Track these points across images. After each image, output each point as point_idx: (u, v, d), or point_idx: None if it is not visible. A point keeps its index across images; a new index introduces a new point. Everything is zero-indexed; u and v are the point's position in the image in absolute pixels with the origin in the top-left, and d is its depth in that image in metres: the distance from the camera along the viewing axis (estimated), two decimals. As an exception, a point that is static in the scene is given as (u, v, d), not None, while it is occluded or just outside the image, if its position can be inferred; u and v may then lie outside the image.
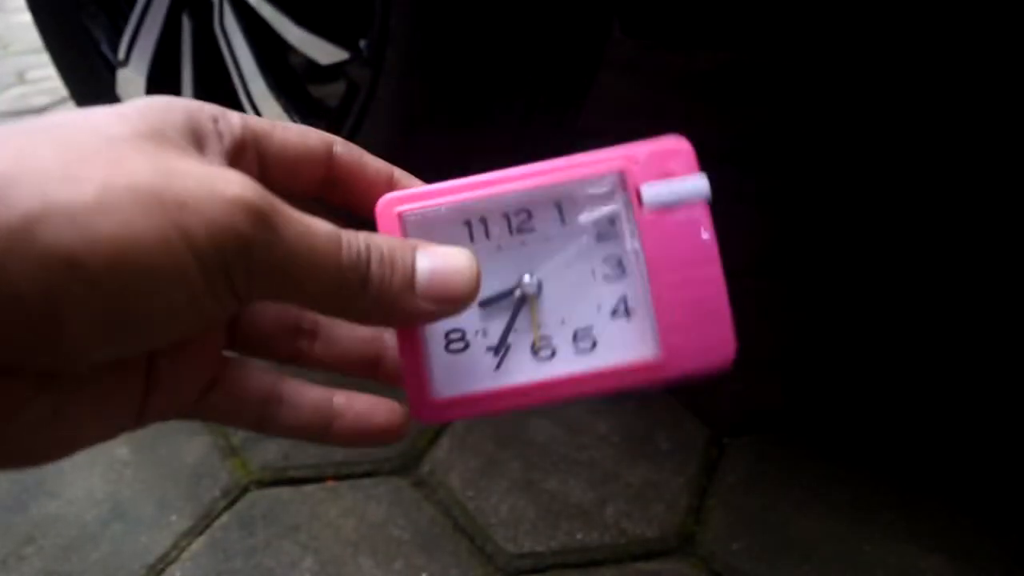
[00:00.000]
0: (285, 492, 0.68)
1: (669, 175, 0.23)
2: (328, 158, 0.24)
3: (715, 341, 0.24)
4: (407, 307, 0.21)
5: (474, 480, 0.69)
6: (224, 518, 0.66)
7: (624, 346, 0.24)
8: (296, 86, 0.83)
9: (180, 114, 0.20)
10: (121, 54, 0.95)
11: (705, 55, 1.62)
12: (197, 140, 0.20)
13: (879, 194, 1.13)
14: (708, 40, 0.72)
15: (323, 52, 0.74)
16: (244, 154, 0.22)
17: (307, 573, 0.61)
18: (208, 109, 0.21)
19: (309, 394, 0.23)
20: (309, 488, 0.69)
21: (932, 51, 0.57)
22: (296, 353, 0.25)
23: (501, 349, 0.24)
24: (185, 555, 0.63)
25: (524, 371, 0.24)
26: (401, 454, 0.72)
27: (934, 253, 0.99)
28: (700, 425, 0.74)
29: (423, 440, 0.73)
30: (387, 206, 0.23)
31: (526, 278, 0.24)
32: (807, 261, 0.98)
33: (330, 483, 0.69)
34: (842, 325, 0.87)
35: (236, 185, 0.18)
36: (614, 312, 0.24)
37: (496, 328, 0.24)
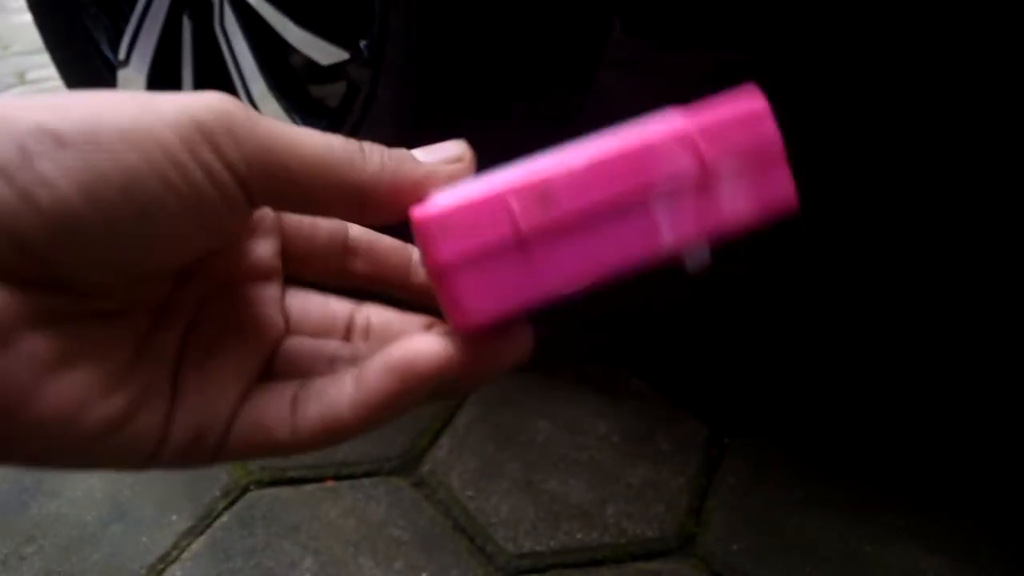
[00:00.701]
0: (285, 492, 0.68)
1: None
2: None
3: (778, 179, 0.23)
4: (414, 171, 0.19)
5: (474, 480, 0.69)
6: (224, 518, 0.66)
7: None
8: (296, 86, 0.83)
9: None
10: (122, 54, 0.95)
11: (705, 55, 1.62)
12: None
13: (880, 194, 1.13)
14: (708, 40, 0.72)
15: (323, 52, 0.74)
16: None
17: (307, 573, 0.61)
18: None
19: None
20: (309, 488, 0.69)
21: (932, 50, 0.57)
22: (344, 271, 0.24)
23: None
24: (185, 555, 0.63)
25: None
26: (401, 454, 0.72)
27: (934, 253, 0.99)
28: (700, 425, 0.74)
29: (423, 440, 0.73)
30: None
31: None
32: (807, 261, 0.98)
33: (330, 483, 0.69)
34: (842, 325, 0.87)
35: (210, 92, 0.18)
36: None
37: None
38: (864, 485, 0.67)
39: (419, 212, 0.19)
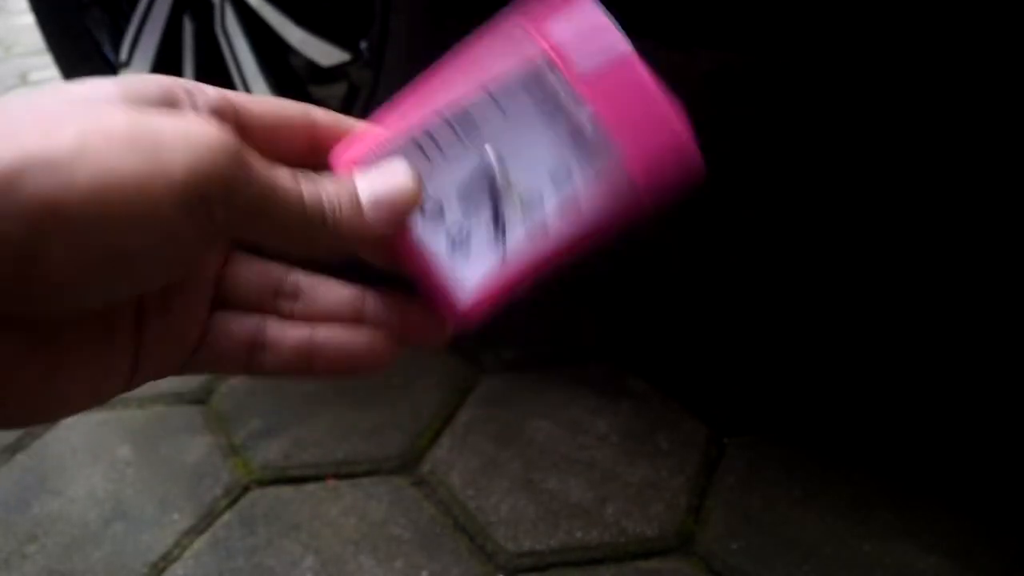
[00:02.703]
0: (286, 491, 0.69)
1: (584, 35, 0.24)
2: (309, 126, 0.24)
3: (681, 154, 0.25)
4: (363, 229, 0.22)
5: (474, 479, 0.69)
6: (226, 517, 0.66)
7: (606, 188, 0.24)
8: (297, 87, 0.83)
9: (154, 85, 0.21)
10: (123, 55, 0.95)
11: (705, 55, 1.62)
12: (171, 106, 0.21)
13: (881, 194, 1.13)
14: (708, 40, 0.72)
15: (324, 53, 0.75)
16: (222, 120, 0.22)
17: (308, 572, 0.61)
18: (183, 82, 0.22)
19: (291, 333, 0.24)
20: (310, 487, 0.69)
21: (931, 49, 0.57)
22: (279, 315, 0.25)
23: (498, 223, 0.24)
24: (187, 554, 0.63)
25: (526, 238, 0.24)
26: (401, 453, 0.72)
27: (934, 253, 0.99)
28: (700, 425, 0.74)
29: (423, 440, 0.74)
30: (338, 156, 0.24)
31: (487, 149, 0.24)
32: (807, 261, 0.98)
33: (330, 482, 0.69)
34: (842, 325, 0.87)
35: (210, 129, 0.18)
36: (580, 164, 0.24)
37: (484, 210, 0.24)
38: (863, 485, 0.67)
39: (453, 297, 0.24)
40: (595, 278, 0.74)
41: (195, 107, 0.21)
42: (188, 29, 0.89)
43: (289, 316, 0.25)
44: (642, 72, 0.24)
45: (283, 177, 0.20)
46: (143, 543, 0.64)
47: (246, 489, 0.69)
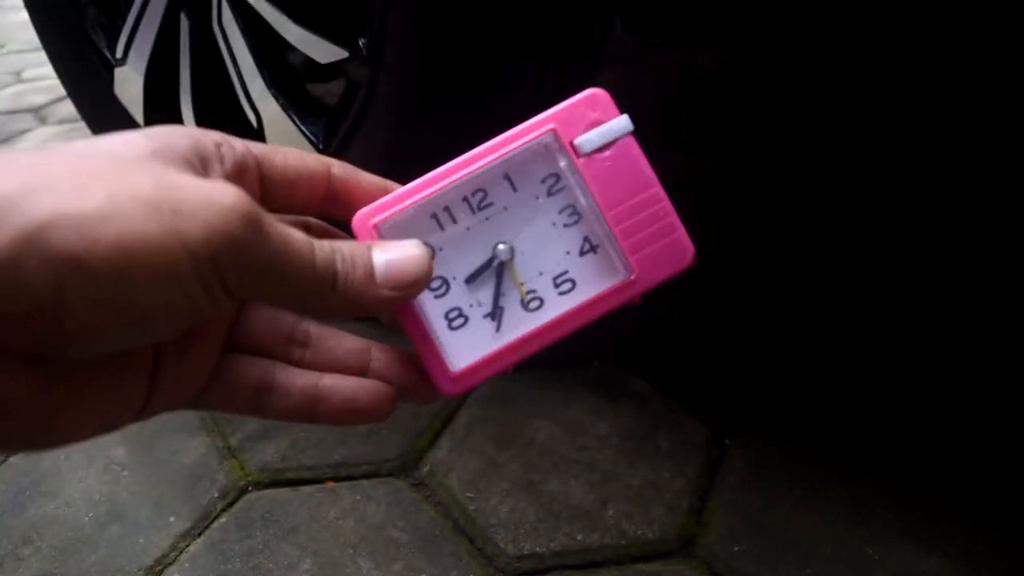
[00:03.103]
0: (283, 493, 0.68)
1: (595, 123, 0.27)
2: (326, 177, 0.26)
3: (674, 248, 0.27)
4: (372, 296, 0.23)
5: (474, 481, 0.68)
6: (222, 519, 0.66)
7: (600, 276, 0.27)
8: (295, 85, 0.83)
9: (184, 138, 0.22)
10: (119, 52, 0.94)
11: (706, 53, 1.62)
12: (201, 161, 0.22)
13: (882, 194, 1.13)
14: (708, 39, 0.71)
15: (322, 50, 0.74)
16: (246, 174, 0.24)
17: (306, 574, 0.61)
18: (212, 135, 0.23)
19: (298, 380, 0.26)
20: (308, 489, 0.68)
21: (931, 48, 0.57)
22: (288, 361, 0.27)
23: (496, 313, 0.27)
24: (183, 557, 0.63)
25: (521, 325, 0.27)
26: (400, 455, 0.71)
27: (934, 252, 0.99)
28: (700, 425, 0.74)
29: (422, 441, 0.73)
30: (362, 220, 0.26)
31: (500, 247, 0.27)
32: (807, 261, 0.98)
33: (329, 484, 0.69)
34: (842, 325, 0.86)
35: (231, 194, 0.20)
36: (582, 252, 0.27)
37: (487, 297, 0.27)
38: (863, 485, 0.67)
39: (440, 373, 0.27)
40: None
41: (222, 161, 0.23)
42: (184, 26, 0.88)
43: (299, 363, 0.26)
44: (642, 161, 0.27)
45: (297, 240, 0.22)
46: (139, 546, 0.63)
47: (243, 491, 0.68)
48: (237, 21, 0.81)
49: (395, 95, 0.70)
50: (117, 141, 0.21)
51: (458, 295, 0.27)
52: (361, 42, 0.71)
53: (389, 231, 0.26)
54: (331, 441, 0.73)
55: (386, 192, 0.27)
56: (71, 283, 0.17)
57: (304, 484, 0.69)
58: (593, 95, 0.27)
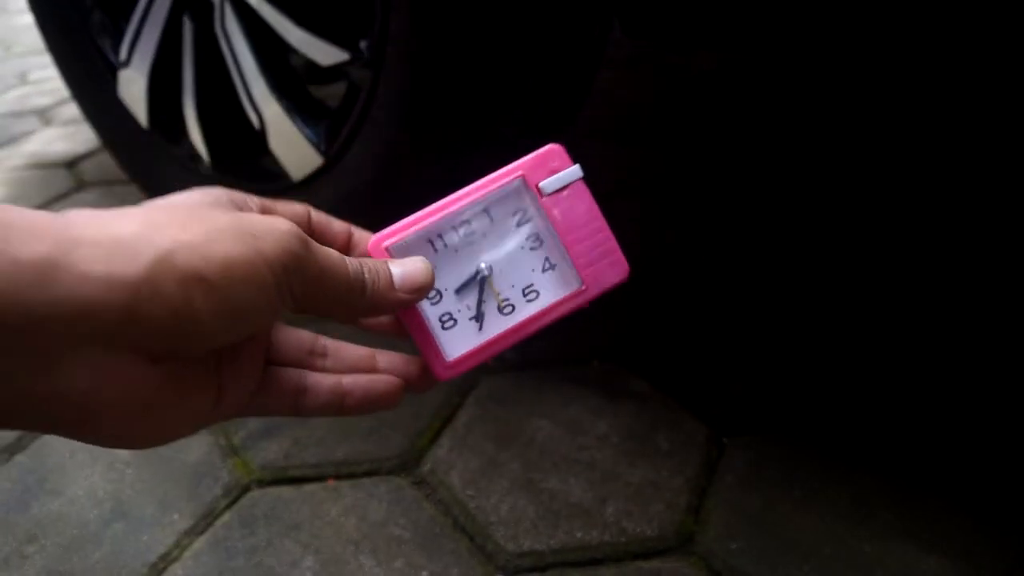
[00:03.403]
0: (286, 491, 0.69)
1: (554, 171, 0.35)
2: (308, 219, 0.33)
3: (615, 266, 0.36)
4: (392, 298, 0.31)
5: (474, 479, 0.69)
6: (225, 517, 0.66)
7: (558, 288, 0.36)
8: (297, 87, 0.83)
9: (223, 193, 0.29)
10: (123, 55, 0.95)
11: (705, 55, 1.62)
12: (239, 206, 0.29)
13: (881, 193, 1.13)
14: (708, 40, 0.72)
15: (324, 53, 0.75)
16: (266, 214, 0.31)
17: (308, 572, 0.61)
18: (235, 193, 0.30)
19: (325, 382, 0.32)
20: (310, 487, 0.69)
21: (929, 50, 0.57)
22: (313, 369, 0.33)
23: (479, 316, 0.35)
24: (187, 554, 0.63)
25: (499, 325, 0.35)
26: (401, 453, 0.72)
27: (935, 253, 0.99)
28: (700, 425, 0.74)
29: (423, 440, 0.74)
30: (376, 243, 0.34)
31: (481, 265, 0.35)
32: (807, 261, 0.98)
33: (331, 482, 0.69)
34: (842, 325, 0.87)
35: (286, 223, 0.27)
36: (544, 269, 0.36)
37: (471, 304, 0.35)
38: (863, 485, 0.67)
39: (437, 363, 0.34)
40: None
41: (250, 206, 0.30)
42: (188, 29, 0.88)
43: (321, 370, 0.33)
44: (590, 200, 0.35)
45: (334, 256, 0.29)
46: (143, 543, 0.64)
47: (246, 489, 0.69)
48: (240, 24, 0.81)
49: (396, 97, 0.70)
50: (184, 196, 0.28)
51: (449, 303, 0.35)
52: (362, 45, 0.71)
53: (397, 251, 0.34)
54: (333, 440, 0.74)
55: (349, 233, 0.35)
56: (196, 293, 0.23)
57: (306, 482, 0.69)
58: (551, 150, 0.35)
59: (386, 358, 0.34)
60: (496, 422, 0.75)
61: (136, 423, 0.25)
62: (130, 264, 0.22)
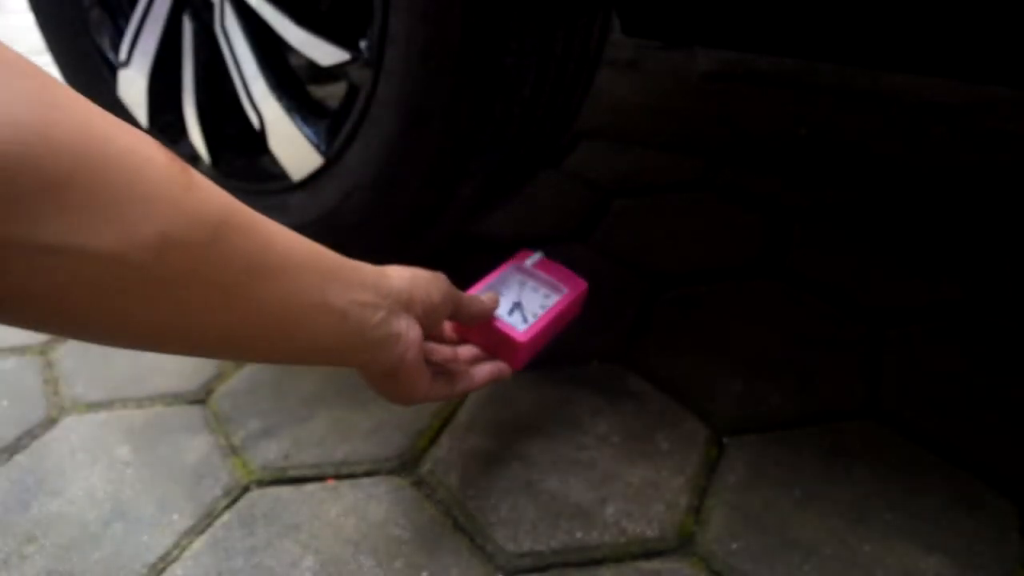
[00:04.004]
0: (286, 491, 0.68)
1: (527, 255, 0.73)
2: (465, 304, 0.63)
3: (578, 280, 0.71)
4: (487, 310, 0.62)
5: (474, 479, 0.69)
6: (225, 517, 0.66)
7: (551, 302, 0.69)
8: (297, 87, 0.83)
9: (445, 282, 0.59)
10: (123, 55, 0.95)
11: (705, 55, 1.62)
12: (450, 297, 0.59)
13: (881, 193, 1.13)
14: (708, 40, 0.72)
15: (324, 53, 0.75)
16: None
17: (308, 572, 0.61)
18: (452, 288, 0.60)
19: (461, 370, 0.62)
20: (310, 487, 0.69)
21: (931, 49, 0.57)
22: (447, 369, 0.60)
23: (525, 320, 0.66)
24: (186, 554, 0.63)
25: (532, 325, 0.66)
26: (401, 454, 0.72)
27: (934, 251, 0.99)
28: (700, 425, 0.74)
29: (423, 440, 0.74)
30: (472, 288, 0.67)
31: (515, 300, 0.69)
32: (806, 260, 0.98)
33: (331, 482, 0.69)
34: (841, 325, 0.87)
35: (445, 281, 0.57)
36: (543, 298, 0.69)
37: (518, 315, 0.67)
38: (864, 485, 0.67)
39: (516, 335, 0.64)
40: (595, 278, 0.74)
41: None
42: (188, 29, 0.88)
43: (451, 341, 0.67)
44: (550, 261, 0.72)
45: (465, 295, 0.60)
46: (142, 544, 0.64)
47: (245, 489, 0.69)
48: (240, 23, 0.81)
49: (397, 98, 0.70)
50: (393, 270, 0.52)
51: (505, 310, 0.67)
52: (363, 45, 0.71)
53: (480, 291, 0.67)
54: (333, 440, 0.74)
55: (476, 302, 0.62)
56: (424, 313, 0.52)
57: (306, 482, 0.69)
58: (523, 253, 0.73)
59: (470, 350, 0.66)
60: (496, 422, 0.75)
61: (415, 372, 0.52)
62: (406, 280, 0.52)
